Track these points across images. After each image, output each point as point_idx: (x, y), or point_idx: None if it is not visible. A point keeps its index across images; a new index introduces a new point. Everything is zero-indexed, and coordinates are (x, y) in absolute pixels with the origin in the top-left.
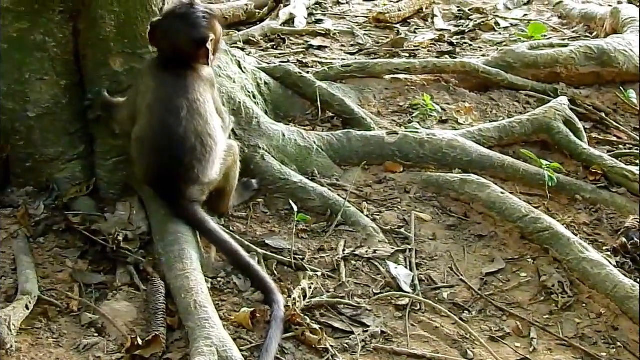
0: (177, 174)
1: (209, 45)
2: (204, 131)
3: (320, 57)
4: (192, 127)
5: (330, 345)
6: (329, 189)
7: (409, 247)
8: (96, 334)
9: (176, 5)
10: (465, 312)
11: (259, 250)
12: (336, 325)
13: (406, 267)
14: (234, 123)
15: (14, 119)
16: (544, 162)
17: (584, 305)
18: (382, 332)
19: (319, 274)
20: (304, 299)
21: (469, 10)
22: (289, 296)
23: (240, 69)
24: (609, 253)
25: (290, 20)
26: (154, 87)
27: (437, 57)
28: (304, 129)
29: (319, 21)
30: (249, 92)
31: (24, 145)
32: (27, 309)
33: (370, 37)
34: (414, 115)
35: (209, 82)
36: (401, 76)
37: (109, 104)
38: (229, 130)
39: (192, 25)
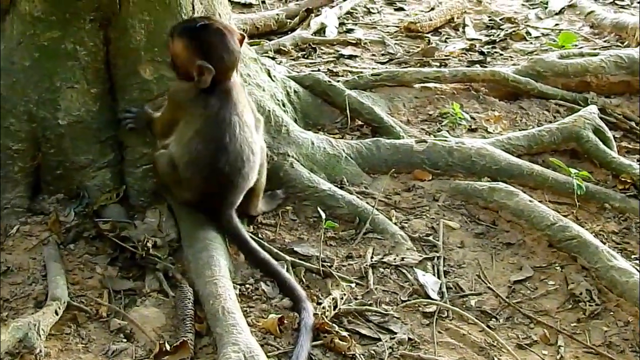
0: (232, 189)
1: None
2: (252, 140)
3: (351, 66)
4: (244, 139)
5: (358, 352)
6: (358, 197)
7: (437, 254)
8: (125, 340)
9: (194, 26)
10: (493, 319)
11: (287, 258)
12: (363, 332)
13: (434, 275)
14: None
15: (45, 127)
16: (573, 171)
17: (612, 313)
18: (409, 339)
19: (348, 281)
20: (334, 309)
21: (500, 19)
22: (318, 304)
23: (270, 77)
24: (637, 261)
25: (322, 30)
26: (202, 112)
27: (467, 67)
28: (333, 137)
29: (349, 30)
30: (278, 100)
31: (54, 152)
32: (57, 314)
33: (401, 46)
34: (443, 123)
35: (242, 86)
36: (431, 85)
37: (150, 119)
38: (261, 129)
39: (225, 45)
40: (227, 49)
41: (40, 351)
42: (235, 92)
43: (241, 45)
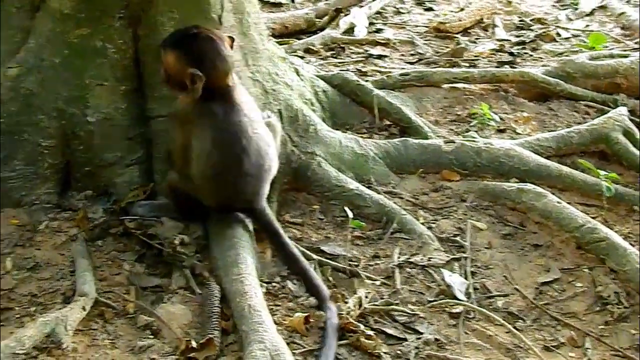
0: (260, 184)
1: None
2: (265, 134)
3: (380, 66)
4: (259, 136)
5: (384, 352)
6: (385, 197)
7: (464, 255)
8: (151, 336)
9: (183, 35)
10: (520, 321)
11: (314, 257)
12: (389, 331)
13: (461, 275)
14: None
15: (74, 124)
16: (602, 173)
17: None
18: (436, 339)
19: (375, 281)
20: (359, 308)
21: (531, 20)
22: (345, 302)
23: (298, 76)
24: None
25: (351, 30)
26: (210, 121)
27: (497, 67)
28: (361, 137)
29: (379, 30)
30: (306, 99)
31: (83, 149)
32: (84, 310)
33: (430, 46)
34: (471, 124)
35: (242, 86)
36: (460, 85)
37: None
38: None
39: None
40: (218, 56)
41: (68, 346)
42: (236, 95)
43: (231, 48)
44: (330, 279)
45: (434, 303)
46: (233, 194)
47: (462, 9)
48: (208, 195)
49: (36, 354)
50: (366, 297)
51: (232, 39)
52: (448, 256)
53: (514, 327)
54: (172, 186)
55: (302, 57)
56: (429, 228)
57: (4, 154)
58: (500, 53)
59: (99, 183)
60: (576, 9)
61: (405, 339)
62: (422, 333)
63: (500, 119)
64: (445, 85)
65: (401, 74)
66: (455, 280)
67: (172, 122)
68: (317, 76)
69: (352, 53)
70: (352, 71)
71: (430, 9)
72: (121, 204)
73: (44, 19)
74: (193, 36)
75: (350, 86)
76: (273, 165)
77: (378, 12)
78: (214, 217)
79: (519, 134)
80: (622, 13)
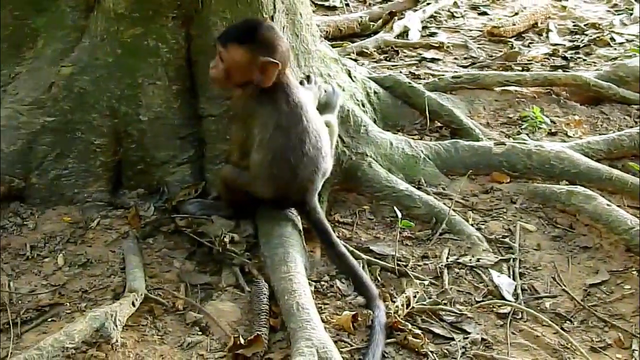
0: (316, 176)
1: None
2: (319, 123)
3: (433, 70)
4: (315, 125)
5: (430, 351)
6: (435, 198)
7: (513, 256)
8: (200, 333)
9: (247, 27)
10: (567, 322)
11: (363, 256)
12: (437, 331)
13: (509, 276)
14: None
15: (127, 123)
16: None
17: None
18: (483, 339)
19: (423, 280)
20: (407, 307)
21: (585, 25)
22: (393, 302)
23: (350, 77)
24: None
25: (404, 33)
26: (272, 111)
27: (550, 71)
28: (412, 138)
29: (432, 34)
30: (358, 100)
31: (136, 148)
32: (134, 305)
33: (483, 50)
34: (523, 127)
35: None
36: (511, 88)
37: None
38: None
39: (282, 39)
40: (283, 42)
41: (117, 341)
42: (292, 82)
43: None
44: (379, 278)
45: (482, 303)
46: (290, 182)
47: (516, 14)
48: (264, 185)
49: (86, 349)
50: (414, 296)
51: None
52: (496, 257)
53: (562, 328)
54: (225, 181)
55: (355, 60)
56: (478, 229)
57: (57, 151)
58: (553, 57)
59: (151, 181)
60: (631, 14)
61: (452, 339)
62: (469, 333)
63: (552, 122)
64: (497, 88)
65: (453, 77)
66: (504, 281)
67: (230, 118)
68: (369, 78)
69: (406, 56)
70: (405, 74)
71: (484, 13)
72: (172, 202)
73: (98, 19)
74: (256, 27)
75: (401, 88)
76: (327, 160)
77: (432, 16)
78: (263, 215)
79: (570, 137)
80: None
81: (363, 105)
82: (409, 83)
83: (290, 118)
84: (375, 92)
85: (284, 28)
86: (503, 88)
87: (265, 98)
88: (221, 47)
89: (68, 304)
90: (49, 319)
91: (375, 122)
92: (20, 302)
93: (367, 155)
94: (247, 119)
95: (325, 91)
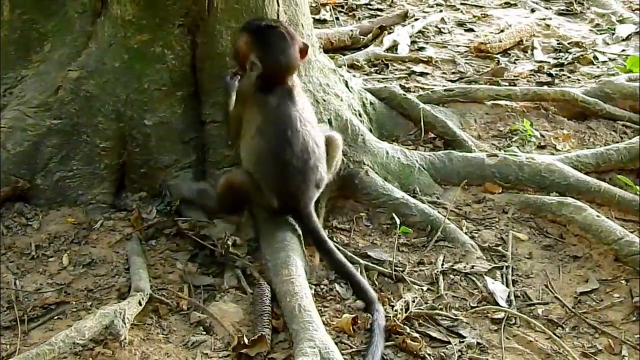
0: (305, 182)
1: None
2: (314, 134)
3: (422, 83)
4: (307, 132)
5: (428, 354)
6: (430, 206)
7: (506, 264)
8: (204, 332)
9: (260, 24)
10: (559, 328)
11: (361, 261)
12: (433, 334)
13: (503, 283)
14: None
15: (132, 127)
16: None
17: None
18: (478, 343)
19: (420, 286)
20: (405, 311)
21: (569, 43)
22: (390, 306)
23: (347, 88)
24: None
25: (394, 47)
26: (260, 108)
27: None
28: (407, 148)
29: (421, 49)
30: (355, 110)
31: (139, 151)
32: (140, 304)
33: (470, 65)
34: (513, 139)
35: (303, 90)
36: (502, 102)
37: (227, 109)
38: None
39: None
40: (283, 53)
41: (125, 338)
42: (295, 92)
43: (303, 57)
44: (376, 283)
45: (477, 309)
46: (276, 184)
47: (502, 31)
48: (269, 196)
49: (93, 346)
50: (413, 301)
51: (306, 47)
52: (490, 264)
53: (554, 334)
54: (232, 184)
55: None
56: (472, 237)
57: (63, 153)
58: (539, 74)
59: (154, 185)
60: (613, 34)
61: (448, 342)
62: (465, 337)
63: (541, 135)
64: (487, 102)
65: (445, 90)
66: (497, 288)
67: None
68: (365, 89)
69: (395, 69)
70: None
71: (471, 30)
72: (175, 205)
73: (105, 25)
74: (268, 28)
75: (397, 99)
76: (321, 168)
77: (420, 32)
78: (265, 219)
79: (559, 150)
80: None
81: (360, 115)
82: (404, 95)
83: (276, 121)
84: (371, 103)
85: None
86: (493, 102)
87: (260, 97)
88: (241, 29)
89: (74, 302)
90: (55, 317)
91: (371, 131)
92: (26, 300)
93: (364, 163)
94: (243, 104)
95: None
